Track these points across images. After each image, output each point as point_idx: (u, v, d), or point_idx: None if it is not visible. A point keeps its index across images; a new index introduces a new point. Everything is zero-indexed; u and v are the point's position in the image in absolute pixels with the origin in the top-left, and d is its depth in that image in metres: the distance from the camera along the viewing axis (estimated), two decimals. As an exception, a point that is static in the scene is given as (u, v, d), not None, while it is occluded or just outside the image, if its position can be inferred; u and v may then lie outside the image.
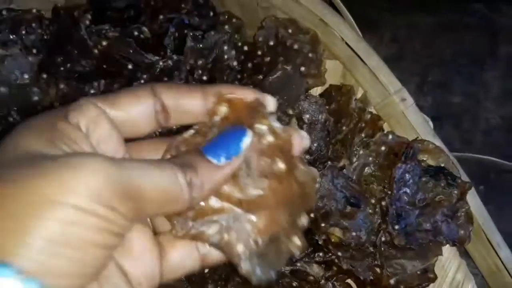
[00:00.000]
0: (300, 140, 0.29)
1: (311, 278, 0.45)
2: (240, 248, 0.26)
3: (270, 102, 0.29)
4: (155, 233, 0.28)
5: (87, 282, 0.23)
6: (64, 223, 0.21)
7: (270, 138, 0.27)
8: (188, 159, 0.26)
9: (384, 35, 0.83)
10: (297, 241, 0.28)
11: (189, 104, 0.28)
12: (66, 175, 0.21)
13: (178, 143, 0.28)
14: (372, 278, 0.48)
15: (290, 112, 0.51)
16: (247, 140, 0.27)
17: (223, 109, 0.28)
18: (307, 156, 0.53)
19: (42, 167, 0.22)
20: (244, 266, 0.27)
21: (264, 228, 0.27)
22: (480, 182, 0.68)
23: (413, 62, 0.81)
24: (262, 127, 0.27)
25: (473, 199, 0.54)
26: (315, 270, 0.45)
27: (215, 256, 0.28)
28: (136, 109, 0.27)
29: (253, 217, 0.27)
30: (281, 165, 0.27)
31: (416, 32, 0.84)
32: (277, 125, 0.28)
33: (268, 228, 0.27)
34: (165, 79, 0.54)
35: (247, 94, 0.29)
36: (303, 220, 0.28)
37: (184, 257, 0.28)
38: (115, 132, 0.26)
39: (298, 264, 0.45)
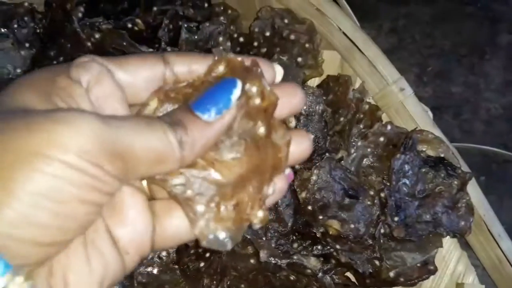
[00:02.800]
0: (291, 102, 0.28)
1: (309, 271, 0.44)
2: (199, 207, 0.25)
3: (278, 68, 0.29)
4: (152, 199, 0.27)
5: (69, 237, 0.23)
6: (50, 177, 0.21)
7: (257, 101, 0.26)
8: (178, 116, 0.25)
9: (383, 25, 0.82)
10: (260, 213, 0.26)
11: (202, 69, 0.27)
12: (55, 130, 0.21)
13: (168, 89, 0.27)
14: (371, 271, 0.47)
15: None
16: (237, 92, 0.25)
17: (221, 67, 0.27)
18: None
19: (33, 121, 0.22)
20: (199, 227, 0.25)
21: (230, 193, 0.26)
22: (481, 172, 0.67)
23: (413, 52, 0.80)
24: (252, 88, 0.26)
25: (473, 190, 0.53)
26: (312, 263, 0.44)
27: None
28: (144, 74, 0.26)
29: (222, 180, 0.25)
30: (262, 130, 0.26)
31: (416, 22, 0.83)
32: (267, 88, 0.27)
33: (234, 194, 0.26)
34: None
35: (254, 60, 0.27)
36: (270, 190, 0.27)
37: (178, 227, 0.26)
38: (118, 91, 0.25)
39: (295, 257, 0.44)
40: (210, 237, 0.25)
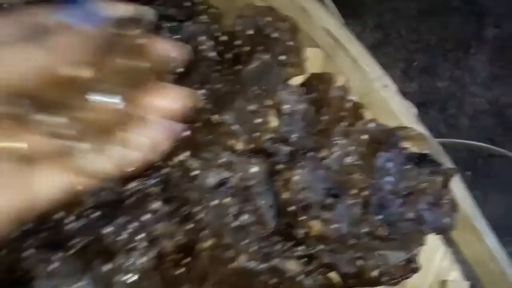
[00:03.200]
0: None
1: (290, 274, 0.44)
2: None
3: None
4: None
5: None
6: None
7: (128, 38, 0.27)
8: None
9: (368, 21, 0.82)
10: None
11: None
12: None
13: None
14: (354, 270, 0.47)
15: (269, 103, 0.50)
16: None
17: None
18: (286, 148, 0.51)
19: None
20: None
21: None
22: (467, 167, 0.67)
23: (398, 48, 0.79)
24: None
25: (458, 186, 0.53)
26: (293, 266, 0.44)
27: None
28: None
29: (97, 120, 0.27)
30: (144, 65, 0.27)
31: (401, 17, 0.82)
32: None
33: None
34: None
35: None
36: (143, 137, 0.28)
37: (52, 184, 0.27)
38: None
39: (275, 261, 0.44)
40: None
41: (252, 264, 0.43)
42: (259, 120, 0.50)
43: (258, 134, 0.50)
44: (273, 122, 0.50)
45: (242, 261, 0.42)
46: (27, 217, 0.27)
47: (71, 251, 0.42)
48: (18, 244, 0.42)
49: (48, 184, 0.27)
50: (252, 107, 0.50)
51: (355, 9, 0.81)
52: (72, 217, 0.45)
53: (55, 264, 0.41)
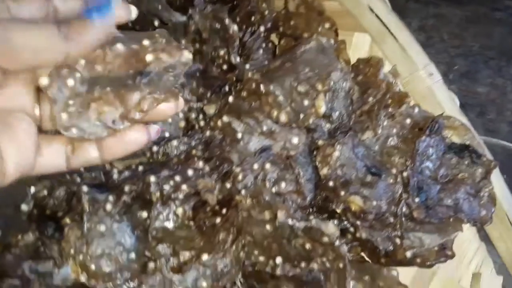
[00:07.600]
0: None
1: (326, 239, 0.44)
2: None
3: (133, 8, 0.33)
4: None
5: None
6: None
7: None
8: (65, 19, 0.30)
9: (412, 23, 0.82)
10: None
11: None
12: None
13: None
14: (391, 248, 0.47)
15: (319, 87, 0.50)
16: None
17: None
18: (327, 125, 0.51)
19: None
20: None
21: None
22: (504, 171, 0.66)
23: (440, 52, 0.79)
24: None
25: (498, 182, 0.52)
26: (331, 229, 0.43)
27: (78, 161, 0.34)
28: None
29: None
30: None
31: (444, 23, 0.82)
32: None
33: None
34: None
35: None
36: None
37: (54, 156, 0.33)
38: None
39: (313, 221, 0.43)
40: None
41: (291, 221, 0.42)
42: (307, 102, 0.50)
43: (303, 115, 0.50)
44: (322, 107, 0.50)
45: (281, 216, 0.42)
46: (29, 170, 0.32)
47: (118, 195, 0.43)
48: (70, 178, 0.44)
49: (52, 156, 0.33)
50: (302, 88, 0.50)
51: (399, 11, 0.81)
52: (119, 168, 0.46)
53: (103, 204, 0.42)
